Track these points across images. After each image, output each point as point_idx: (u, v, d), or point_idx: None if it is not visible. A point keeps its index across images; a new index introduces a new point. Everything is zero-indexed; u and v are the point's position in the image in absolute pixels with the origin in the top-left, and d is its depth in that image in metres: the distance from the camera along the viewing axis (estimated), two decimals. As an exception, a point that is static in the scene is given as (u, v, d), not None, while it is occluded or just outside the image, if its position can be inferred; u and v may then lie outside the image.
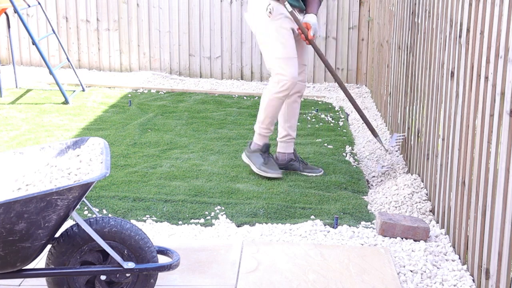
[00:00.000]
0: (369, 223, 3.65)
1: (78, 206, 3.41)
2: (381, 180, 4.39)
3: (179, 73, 7.69)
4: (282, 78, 4.14)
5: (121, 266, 2.43)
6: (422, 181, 4.10)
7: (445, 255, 3.26)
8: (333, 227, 3.56)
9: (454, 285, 2.97)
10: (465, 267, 3.10)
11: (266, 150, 4.34)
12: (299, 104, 4.43)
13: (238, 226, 3.57)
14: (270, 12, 4.13)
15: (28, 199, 2.20)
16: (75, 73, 6.65)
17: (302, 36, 4.21)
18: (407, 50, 4.71)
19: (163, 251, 2.64)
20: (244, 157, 4.41)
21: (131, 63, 7.74)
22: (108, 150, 2.53)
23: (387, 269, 3.06)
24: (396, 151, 4.75)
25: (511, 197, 2.48)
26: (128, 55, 7.73)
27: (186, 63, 7.65)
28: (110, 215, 3.64)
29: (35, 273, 2.41)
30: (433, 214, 3.77)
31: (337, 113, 6.19)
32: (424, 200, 3.95)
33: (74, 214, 2.36)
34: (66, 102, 6.14)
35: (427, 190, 3.96)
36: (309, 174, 4.39)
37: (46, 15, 6.66)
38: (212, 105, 6.33)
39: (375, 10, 6.78)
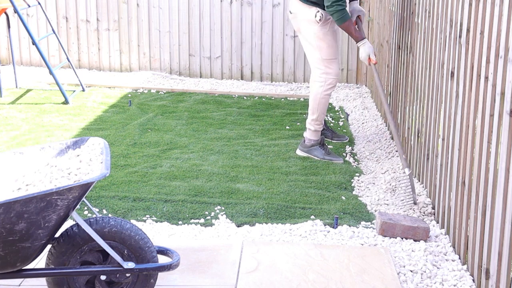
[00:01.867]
0: (369, 223, 3.65)
1: (78, 206, 3.41)
2: (383, 182, 4.39)
3: (179, 73, 7.69)
4: (328, 77, 4.67)
5: (121, 266, 2.43)
6: (422, 181, 4.10)
7: (445, 255, 3.27)
8: (333, 227, 3.56)
9: (454, 285, 2.97)
10: (465, 267, 3.10)
11: (322, 143, 4.82)
12: None
13: (238, 226, 3.57)
14: (320, 19, 4.55)
15: (28, 199, 2.20)
16: (75, 73, 6.65)
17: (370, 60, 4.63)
18: (407, 50, 4.71)
19: (163, 251, 2.64)
20: (300, 152, 4.84)
21: (131, 63, 7.74)
22: (108, 150, 2.53)
23: (387, 269, 3.06)
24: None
25: (511, 197, 2.48)
26: (128, 55, 7.73)
27: (186, 63, 7.65)
28: (110, 215, 3.64)
29: (35, 273, 2.41)
30: (433, 214, 3.77)
31: (337, 113, 6.19)
32: (424, 200, 3.95)
33: (74, 214, 2.36)
34: (66, 102, 6.14)
35: (427, 190, 3.96)
36: (337, 141, 5.16)
37: (46, 15, 6.66)
38: (212, 105, 6.33)
39: (375, 10, 6.78)
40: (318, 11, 4.54)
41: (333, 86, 4.69)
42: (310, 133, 4.79)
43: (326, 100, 4.73)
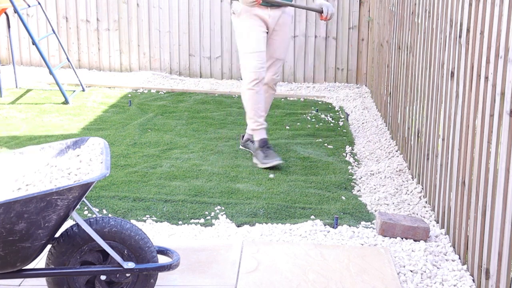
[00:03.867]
0: (369, 223, 3.65)
1: (78, 206, 3.41)
2: (383, 182, 4.39)
3: (179, 73, 7.69)
4: (245, 72, 4.50)
5: (121, 266, 2.43)
6: (422, 181, 4.10)
7: (445, 255, 3.27)
8: (333, 227, 3.56)
9: (454, 285, 2.97)
10: (465, 267, 3.10)
11: (263, 145, 4.56)
12: (270, 95, 4.78)
13: (238, 226, 3.57)
14: (233, 13, 4.50)
15: (28, 199, 2.20)
16: (75, 73, 6.66)
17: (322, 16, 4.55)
18: (407, 50, 4.71)
19: (163, 251, 2.64)
20: (253, 159, 4.63)
21: (131, 63, 7.74)
22: (108, 150, 2.53)
23: (387, 269, 3.06)
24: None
25: (511, 197, 2.48)
26: (128, 55, 7.73)
27: (186, 63, 7.65)
28: (110, 215, 3.64)
29: (35, 273, 2.41)
30: (433, 214, 3.77)
31: (337, 113, 6.19)
32: (424, 200, 3.95)
33: (74, 214, 2.35)
34: (66, 102, 6.14)
35: (427, 190, 3.96)
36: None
37: (46, 15, 6.66)
38: (212, 105, 6.33)
39: (375, 10, 6.78)
40: (235, 3, 4.48)
41: (253, 80, 4.46)
42: (252, 133, 4.68)
43: (250, 95, 4.50)
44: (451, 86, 3.44)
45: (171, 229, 3.49)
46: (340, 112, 6.26)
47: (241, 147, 4.91)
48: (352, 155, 4.90)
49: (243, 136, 4.90)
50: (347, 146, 5.10)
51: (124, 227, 2.47)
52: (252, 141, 4.70)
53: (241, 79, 7.34)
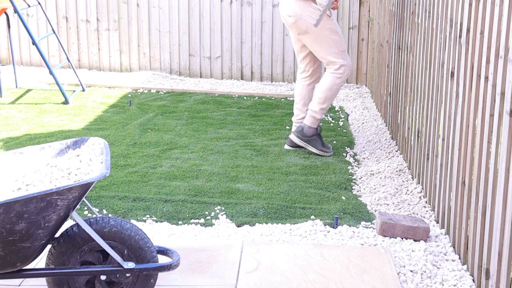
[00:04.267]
0: (369, 223, 3.65)
1: (78, 206, 3.41)
2: (383, 182, 4.39)
3: (179, 73, 7.69)
4: (346, 69, 4.76)
5: (121, 266, 2.43)
6: (422, 181, 4.10)
7: (445, 255, 3.27)
8: (333, 227, 3.56)
9: (454, 285, 2.97)
10: (465, 267, 3.11)
11: (320, 133, 4.87)
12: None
13: (238, 226, 3.57)
14: (331, 13, 4.67)
15: (28, 199, 2.20)
16: (75, 73, 6.66)
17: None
18: (407, 50, 4.71)
19: (163, 251, 2.64)
20: (297, 141, 4.85)
21: (131, 63, 7.74)
22: (108, 150, 2.53)
23: (387, 269, 3.06)
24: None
25: (511, 197, 2.48)
26: (128, 55, 7.73)
27: (186, 63, 7.65)
28: (110, 215, 3.64)
29: (35, 273, 2.41)
30: (433, 214, 3.77)
31: (337, 113, 6.19)
32: (424, 200, 3.95)
33: (74, 214, 2.36)
34: (66, 102, 6.14)
35: (427, 190, 3.96)
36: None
37: (46, 15, 6.66)
38: (212, 105, 6.33)
39: (375, 10, 6.78)
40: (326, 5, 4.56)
41: (347, 77, 4.83)
42: (313, 121, 4.83)
43: (338, 91, 4.87)
44: (451, 86, 3.44)
45: (171, 229, 3.49)
46: (340, 112, 6.26)
47: (292, 145, 4.91)
48: (352, 155, 4.90)
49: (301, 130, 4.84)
50: (347, 146, 5.10)
51: (124, 227, 2.47)
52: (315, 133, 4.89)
53: (245, 79, 7.40)
